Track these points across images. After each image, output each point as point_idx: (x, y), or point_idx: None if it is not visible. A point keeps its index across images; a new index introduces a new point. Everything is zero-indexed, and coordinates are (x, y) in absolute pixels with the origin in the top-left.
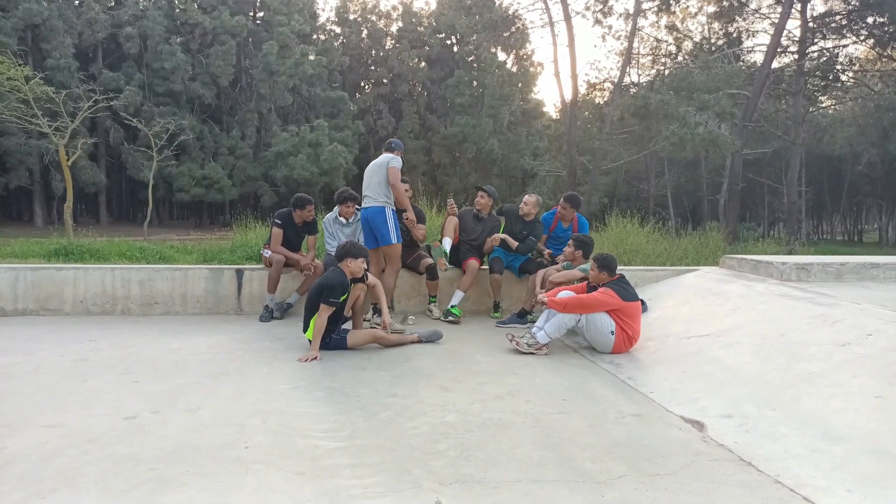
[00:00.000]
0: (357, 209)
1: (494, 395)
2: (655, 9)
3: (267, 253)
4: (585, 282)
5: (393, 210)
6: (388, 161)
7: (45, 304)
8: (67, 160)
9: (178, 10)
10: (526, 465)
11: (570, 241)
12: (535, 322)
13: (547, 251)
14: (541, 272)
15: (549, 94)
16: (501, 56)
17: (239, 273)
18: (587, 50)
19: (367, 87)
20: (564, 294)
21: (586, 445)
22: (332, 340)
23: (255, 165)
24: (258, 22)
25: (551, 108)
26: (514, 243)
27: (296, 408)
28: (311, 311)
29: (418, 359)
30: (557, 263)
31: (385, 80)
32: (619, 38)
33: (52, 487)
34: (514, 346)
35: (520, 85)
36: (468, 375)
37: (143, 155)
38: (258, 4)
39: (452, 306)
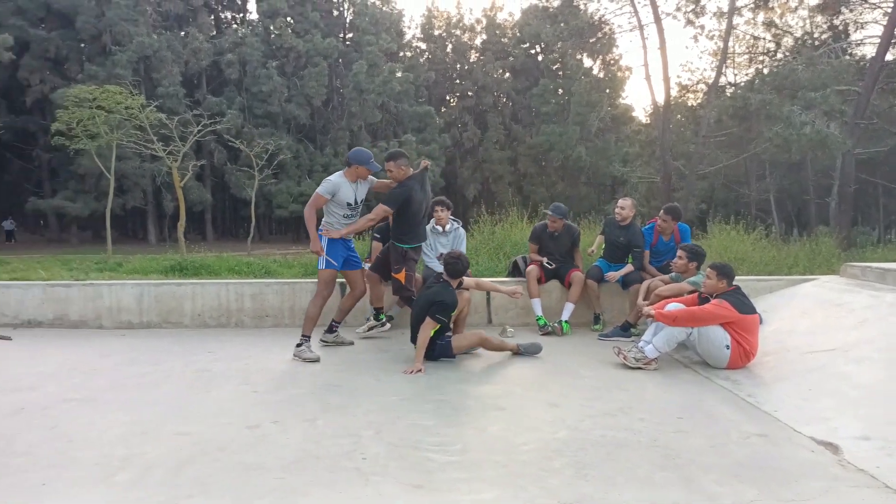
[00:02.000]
0: (452, 219)
1: (604, 411)
2: (752, 5)
3: (367, 267)
4: (696, 293)
5: (328, 238)
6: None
7: (167, 318)
8: (180, 182)
9: (273, 36)
10: (648, 486)
11: (682, 253)
12: (640, 335)
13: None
14: (645, 283)
15: (638, 99)
16: (587, 62)
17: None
18: (678, 51)
19: (452, 100)
20: (673, 306)
21: (709, 466)
22: (437, 347)
23: None
24: (348, 43)
25: (640, 113)
26: (627, 270)
27: (406, 420)
28: (419, 323)
29: (522, 373)
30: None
31: (470, 93)
32: (712, 38)
33: (189, 493)
34: (621, 361)
35: (607, 90)
36: (574, 390)
37: (244, 174)
38: (347, 26)
39: (564, 321)
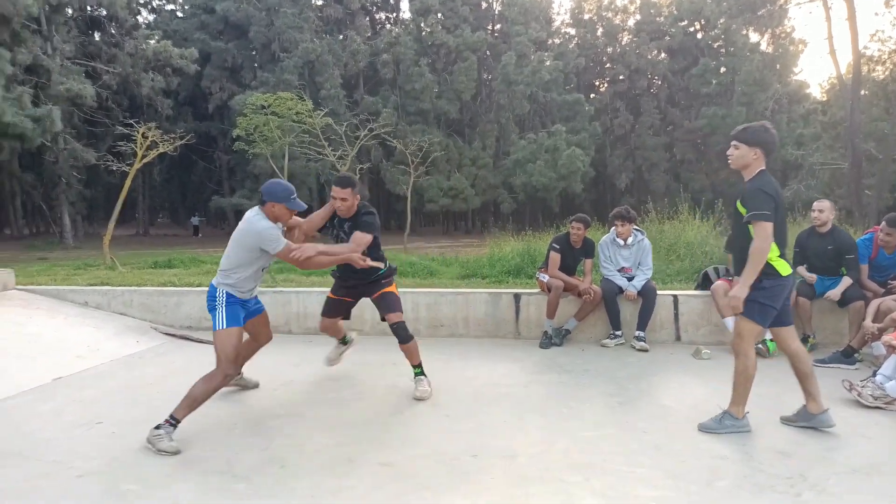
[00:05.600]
0: (636, 229)
1: (852, 467)
2: None
3: (545, 278)
4: None
5: (227, 293)
6: (258, 236)
7: (349, 325)
8: None
9: (424, 34)
10: None
11: None
12: (863, 361)
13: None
14: (874, 303)
15: (812, 75)
16: (754, 37)
17: (517, 297)
18: (864, 20)
19: (602, 86)
20: None
21: None
22: None
23: (494, 174)
24: (496, 35)
25: (815, 90)
26: (845, 284)
27: (614, 464)
28: None
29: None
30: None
31: (622, 77)
32: None
33: None
34: (853, 397)
35: (777, 67)
36: (804, 435)
37: (398, 171)
38: (496, 17)
39: (769, 339)
